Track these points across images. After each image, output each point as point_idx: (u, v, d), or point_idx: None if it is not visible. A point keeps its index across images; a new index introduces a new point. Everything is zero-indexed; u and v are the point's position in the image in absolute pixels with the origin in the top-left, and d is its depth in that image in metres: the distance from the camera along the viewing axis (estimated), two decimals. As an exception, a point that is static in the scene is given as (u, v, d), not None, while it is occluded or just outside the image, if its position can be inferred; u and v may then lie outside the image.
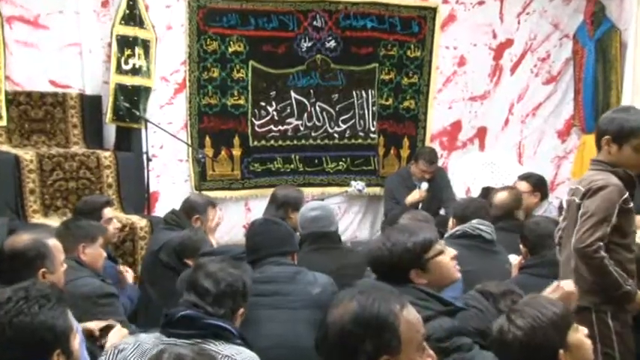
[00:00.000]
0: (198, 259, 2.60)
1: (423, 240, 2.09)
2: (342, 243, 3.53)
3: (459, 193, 5.64)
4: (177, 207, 3.88)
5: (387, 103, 5.92)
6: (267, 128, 5.56)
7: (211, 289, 2.10)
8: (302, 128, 5.68)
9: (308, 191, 5.53)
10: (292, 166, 5.68)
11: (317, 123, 5.72)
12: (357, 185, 5.42)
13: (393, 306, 1.44)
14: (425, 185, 5.22)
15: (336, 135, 5.79)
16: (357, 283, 2.14)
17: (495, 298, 2.16)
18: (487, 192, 5.09)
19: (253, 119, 5.50)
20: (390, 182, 5.50)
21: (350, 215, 5.89)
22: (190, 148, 5.23)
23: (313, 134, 5.72)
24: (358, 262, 3.14)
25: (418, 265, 2.07)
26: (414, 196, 5.18)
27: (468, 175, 5.89)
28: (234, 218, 5.49)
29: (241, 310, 2.18)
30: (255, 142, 5.53)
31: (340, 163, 5.82)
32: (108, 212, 3.65)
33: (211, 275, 2.13)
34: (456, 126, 6.18)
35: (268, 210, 4.14)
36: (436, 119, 6.08)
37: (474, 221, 3.38)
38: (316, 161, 5.76)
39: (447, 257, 2.14)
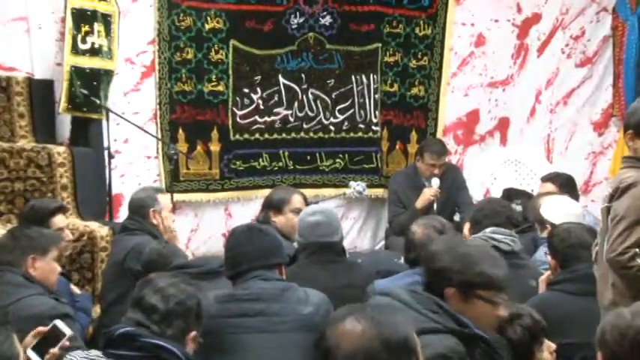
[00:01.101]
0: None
1: (490, 277, 2.10)
2: (346, 255, 3.54)
3: (477, 195, 5.65)
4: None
5: (392, 89, 5.93)
6: (250, 119, 5.55)
7: (159, 307, 2.13)
8: (292, 119, 5.67)
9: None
10: (280, 163, 5.67)
11: (310, 113, 5.71)
12: (356, 186, 5.43)
13: (410, 327, 1.50)
14: (436, 182, 5.20)
15: (332, 127, 5.78)
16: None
17: (501, 326, 2.19)
18: (509, 194, 5.11)
19: (235, 109, 5.48)
20: (395, 182, 5.50)
21: (348, 221, 5.87)
22: (160, 143, 5.21)
23: (305, 126, 5.72)
24: (364, 279, 3.18)
25: (463, 291, 2.09)
26: (424, 197, 5.17)
27: (487, 174, 5.91)
28: (211, 225, 5.49)
29: (193, 334, 2.19)
30: (237, 136, 5.51)
31: (337, 160, 5.83)
32: (59, 220, 3.63)
33: (160, 291, 2.17)
34: (473, 117, 6.18)
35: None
36: (450, 109, 6.07)
37: (488, 230, 3.36)
38: (309, 158, 5.76)
39: (492, 310, 2.13)
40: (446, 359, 1.97)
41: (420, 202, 5.16)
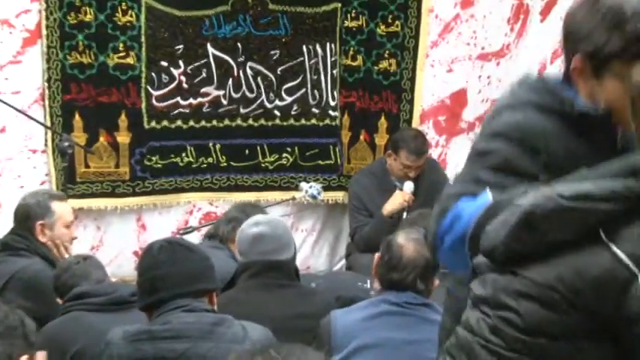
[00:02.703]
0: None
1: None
2: (299, 279, 3.58)
3: (464, 200, 5.65)
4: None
5: (355, 63, 5.91)
6: (171, 102, 5.49)
7: None
8: (225, 102, 5.63)
9: (235, 198, 5.62)
10: (210, 159, 5.63)
11: (248, 94, 5.66)
12: (309, 189, 5.42)
13: None
14: (410, 186, 5.26)
15: (277, 112, 5.75)
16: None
17: None
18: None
19: (149, 88, 5.42)
20: (357, 184, 5.53)
21: (299, 235, 5.83)
22: (50, 133, 5.15)
23: (242, 111, 5.67)
24: (322, 308, 3.24)
25: (591, 61, 1.99)
26: (395, 201, 5.18)
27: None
28: (119, 240, 5.47)
29: (24, 358, 2.20)
30: (153, 124, 5.46)
31: (284, 155, 5.81)
32: None
33: None
34: (459, 98, 6.16)
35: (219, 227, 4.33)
36: (429, 88, 6.05)
37: None
38: (247, 152, 5.73)
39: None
40: (499, 135, 2.03)
41: (389, 207, 5.17)
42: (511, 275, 1.61)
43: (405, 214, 5.13)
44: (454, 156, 6.13)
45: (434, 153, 6.01)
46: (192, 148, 5.58)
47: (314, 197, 5.45)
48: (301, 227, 5.88)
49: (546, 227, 1.57)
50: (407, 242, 3.15)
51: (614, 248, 1.54)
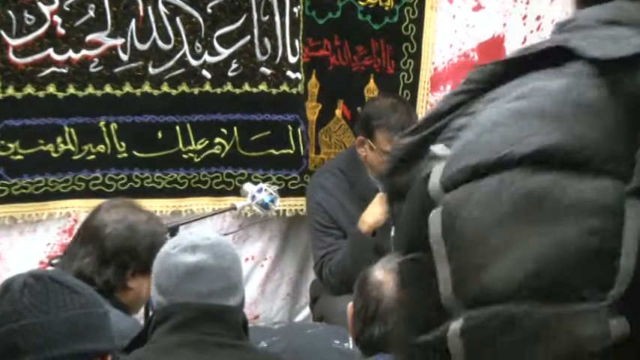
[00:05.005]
0: None
1: None
2: (248, 335, 3.57)
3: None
4: None
5: None
6: (39, 56, 5.47)
7: None
8: (125, 57, 5.60)
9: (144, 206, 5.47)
10: (102, 147, 5.60)
11: (161, 44, 5.65)
12: (258, 194, 5.36)
13: None
14: None
15: (207, 74, 5.72)
16: None
17: None
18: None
19: (4, 34, 5.39)
20: (320, 190, 5.71)
21: (243, 265, 5.64)
22: None
23: (153, 72, 5.64)
24: None
25: None
26: (377, 210, 5.36)
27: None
28: None
29: None
30: (11, 91, 5.44)
31: (218, 140, 5.81)
32: None
33: None
34: (493, 51, 6.22)
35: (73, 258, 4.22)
36: (445, 36, 6.15)
37: None
38: (160, 136, 5.70)
39: None
40: None
41: (369, 219, 5.35)
42: None
43: (393, 229, 4.97)
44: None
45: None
46: (72, 130, 5.54)
47: (265, 206, 5.36)
48: (246, 253, 5.79)
49: None
50: (387, 276, 3.19)
51: None
